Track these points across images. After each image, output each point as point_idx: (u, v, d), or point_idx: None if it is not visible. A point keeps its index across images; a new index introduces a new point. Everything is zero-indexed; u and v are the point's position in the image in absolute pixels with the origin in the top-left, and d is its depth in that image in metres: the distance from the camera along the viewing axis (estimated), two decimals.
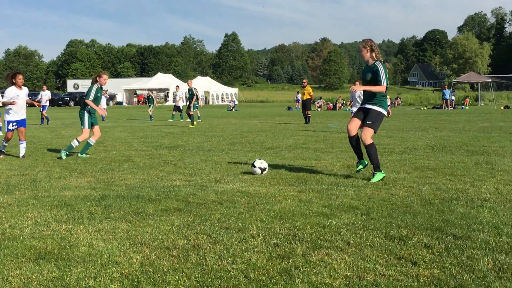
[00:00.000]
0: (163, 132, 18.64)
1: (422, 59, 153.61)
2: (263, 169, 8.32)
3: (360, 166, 7.99)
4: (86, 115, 11.16)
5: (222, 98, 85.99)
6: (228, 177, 8.14)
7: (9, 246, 4.43)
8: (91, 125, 11.22)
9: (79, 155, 11.01)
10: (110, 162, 10.14)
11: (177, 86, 31.98)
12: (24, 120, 11.24)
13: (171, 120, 28.27)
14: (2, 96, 12.08)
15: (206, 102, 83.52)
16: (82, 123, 11.19)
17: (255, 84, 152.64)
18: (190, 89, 23.98)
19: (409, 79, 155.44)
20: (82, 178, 8.20)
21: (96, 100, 11.14)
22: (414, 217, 5.27)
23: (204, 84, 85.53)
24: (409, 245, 4.35)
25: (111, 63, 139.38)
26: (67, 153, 10.86)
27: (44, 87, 24.91)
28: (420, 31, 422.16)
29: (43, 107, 24.29)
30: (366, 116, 7.72)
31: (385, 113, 7.74)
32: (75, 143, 11.00)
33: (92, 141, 11.25)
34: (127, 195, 6.66)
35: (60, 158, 10.64)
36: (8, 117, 11.06)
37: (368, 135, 7.59)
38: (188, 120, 23.85)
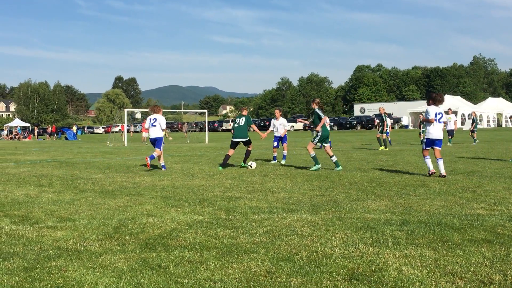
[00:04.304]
0: (455, 157, 17.88)
1: None
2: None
3: None
4: None
5: None
6: None
7: (324, 264, 4.71)
8: None
9: None
10: (405, 186, 10.11)
11: (449, 108, 29.96)
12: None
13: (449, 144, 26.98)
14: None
15: (499, 124, 77.82)
16: None
17: None
18: (380, 115, 25.13)
19: None
20: (380, 201, 8.32)
21: None
22: None
23: (495, 105, 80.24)
24: None
25: (396, 87, 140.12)
26: None
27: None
28: None
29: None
30: None
31: None
32: None
33: None
34: (429, 221, 6.51)
35: None
36: None
37: None
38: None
